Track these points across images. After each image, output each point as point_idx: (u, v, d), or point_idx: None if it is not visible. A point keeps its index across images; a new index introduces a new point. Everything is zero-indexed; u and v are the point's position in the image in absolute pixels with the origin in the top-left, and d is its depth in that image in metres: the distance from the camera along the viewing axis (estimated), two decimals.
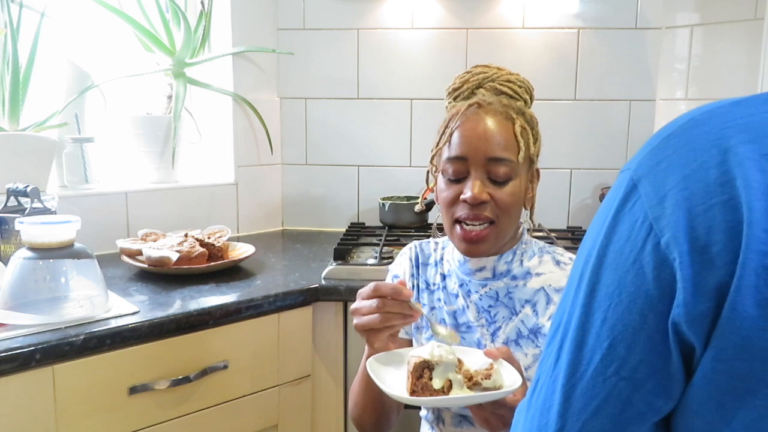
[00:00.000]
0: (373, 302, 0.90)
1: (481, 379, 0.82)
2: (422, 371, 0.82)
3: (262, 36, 1.85)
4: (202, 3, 1.76)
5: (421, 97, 1.88)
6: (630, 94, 1.83)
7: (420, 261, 1.10)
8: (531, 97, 1.04)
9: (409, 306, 0.90)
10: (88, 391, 1.04)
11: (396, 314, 0.90)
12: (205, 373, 1.18)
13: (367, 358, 0.96)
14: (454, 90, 1.04)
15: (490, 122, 0.96)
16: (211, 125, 1.86)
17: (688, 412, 0.46)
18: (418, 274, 1.09)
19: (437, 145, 1.00)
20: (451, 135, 0.97)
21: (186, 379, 1.15)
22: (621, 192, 0.49)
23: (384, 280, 1.15)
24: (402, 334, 1.09)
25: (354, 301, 1.32)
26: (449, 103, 1.05)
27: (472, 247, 0.97)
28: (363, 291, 0.93)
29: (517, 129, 0.96)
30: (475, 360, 0.86)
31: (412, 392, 0.82)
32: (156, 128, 1.72)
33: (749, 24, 1.58)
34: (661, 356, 0.45)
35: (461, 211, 0.96)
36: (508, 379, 0.83)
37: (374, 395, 1.02)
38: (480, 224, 0.95)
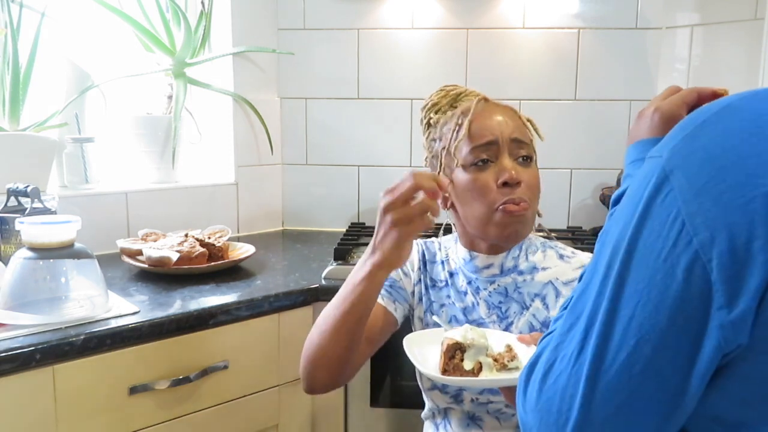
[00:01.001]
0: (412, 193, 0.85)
1: (507, 361, 0.85)
2: (454, 352, 0.85)
3: (262, 36, 1.85)
4: (203, 3, 1.76)
5: (421, 97, 1.85)
6: (630, 94, 1.83)
7: (426, 258, 1.11)
8: None
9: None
10: (88, 391, 1.04)
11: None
12: (205, 373, 1.18)
13: (370, 270, 0.89)
14: (434, 105, 1.10)
15: (502, 111, 1.02)
16: (211, 125, 1.86)
17: (736, 401, 0.45)
18: (425, 270, 1.10)
19: (450, 141, 1.01)
20: (469, 127, 0.99)
21: (186, 379, 1.15)
22: (652, 182, 0.47)
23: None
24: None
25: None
26: (432, 116, 1.09)
27: (515, 230, 0.97)
28: (402, 187, 0.86)
29: (523, 119, 1.03)
30: (494, 341, 0.89)
31: (444, 371, 0.85)
32: (156, 128, 1.72)
33: (749, 24, 1.58)
34: (687, 358, 0.45)
35: (501, 197, 0.96)
36: None
37: (352, 326, 0.92)
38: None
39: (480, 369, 0.85)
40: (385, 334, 1.06)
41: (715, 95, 0.65)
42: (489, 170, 0.97)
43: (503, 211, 0.96)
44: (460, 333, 0.86)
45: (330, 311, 0.95)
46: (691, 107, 0.67)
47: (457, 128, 1.00)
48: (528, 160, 1.00)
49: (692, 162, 0.44)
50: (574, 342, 0.50)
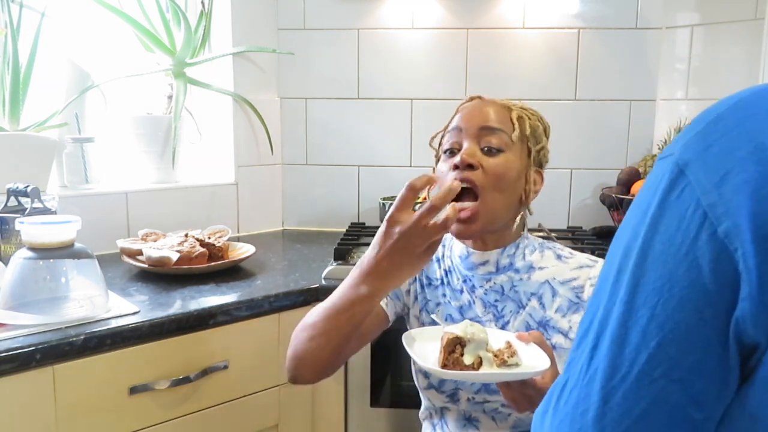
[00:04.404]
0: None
1: (507, 357, 0.85)
2: (454, 347, 0.84)
3: (262, 36, 1.85)
4: (203, 3, 1.76)
5: (421, 97, 1.88)
6: (630, 94, 1.83)
7: None
8: (545, 129, 1.07)
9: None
10: (88, 391, 1.04)
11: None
12: (205, 373, 1.18)
13: (366, 295, 0.89)
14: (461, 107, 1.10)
15: (488, 105, 1.00)
16: (211, 125, 1.86)
17: (747, 414, 0.42)
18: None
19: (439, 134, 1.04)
20: (451, 120, 1.02)
21: (186, 379, 1.15)
22: (665, 179, 0.44)
23: None
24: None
25: None
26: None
27: (461, 227, 0.95)
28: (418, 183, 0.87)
29: (514, 115, 0.99)
30: (493, 338, 0.88)
31: (443, 365, 0.84)
32: (156, 128, 1.72)
33: (749, 24, 1.58)
34: (717, 356, 0.42)
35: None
36: (532, 358, 0.85)
37: (340, 325, 0.93)
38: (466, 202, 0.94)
39: (480, 364, 0.84)
40: (376, 331, 1.06)
41: None
42: (453, 159, 0.98)
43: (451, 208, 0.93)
44: (461, 328, 0.86)
45: (320, 319, 0.95)
46: None
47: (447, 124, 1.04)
48: (496, 150, 0.96)
49: (709, 155, 0.43)
50: (583, 356, 0.47)
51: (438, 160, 1.05)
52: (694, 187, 0.43)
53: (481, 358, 0.84)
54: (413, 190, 0.86)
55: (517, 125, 0.98)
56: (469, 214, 0.94)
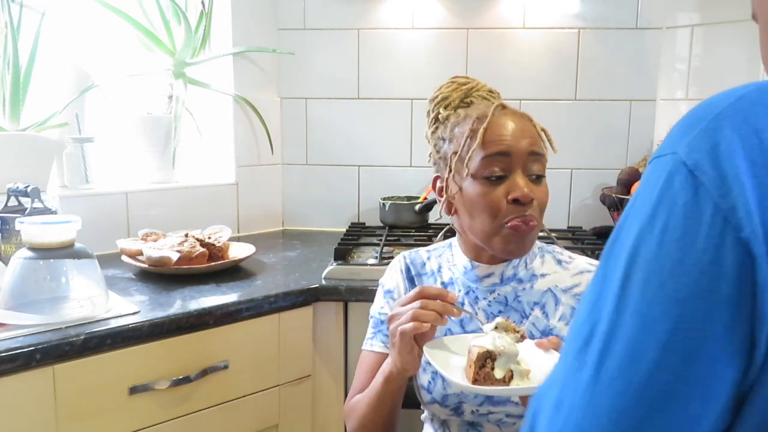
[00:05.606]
0: (416, 303, 0.88)
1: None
2: (485, 361, 0.82)
3: (262, 36, 1.85)
4: (203, 3, 1.76)
5: (421, 97, 1.87)
6: (630, 94, 1.83)
7: (413, 273, 1.08)
8: None
9: (455, 307, 0.89)
10: (88, 391, 1.04)
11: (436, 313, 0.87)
12: (205, 373, 1.18)
13: (385, 376, 0.95)
14: (444, 99, 1.04)
15: (519, 121, 0.97)
16: (211, 125, 1.86)
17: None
18: (413, 286, 1.06)
19: (463, 148, 0.96)
20: (484, 134, 0.94)
21: (186, 379, 1.15)
22: (677, 181, 0.42)
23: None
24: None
25: (354, 300, 1.34)
26: (441, 111, 1.04)
27: (520, 245, 0.95)
28: (403, 298, 0.92)
29: (538, 128, 0.99)
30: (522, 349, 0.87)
31: (474, 381, 0.82)
32: (156, 128, 1.72)
33: (749, 24, 1.58)
34: (734, 367, 0.40)
35: (510, 214, 0.93)
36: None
37: (385, 414, 1.00)
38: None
39: (511, 377, 0.82)
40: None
41: None
42: (501, 186, 0.94)
43: (511, 227, 0.93)
44: (489, 340, 0.83)
45: (365, 400, 1.01)
46: None
47: (471, 134, 0.96)
48: (539, 177, 0.96)
49: (718, 155, 0.41)
50: (585, 369, 0.43)
51: (453, 174, 0.99)
52: (710, 191, 0.41)
53: (512, 371, 0.82)
54: (422, 295, 0.89)
55: (545, 139, 0.99)
56: (530, 229, 0.94)
